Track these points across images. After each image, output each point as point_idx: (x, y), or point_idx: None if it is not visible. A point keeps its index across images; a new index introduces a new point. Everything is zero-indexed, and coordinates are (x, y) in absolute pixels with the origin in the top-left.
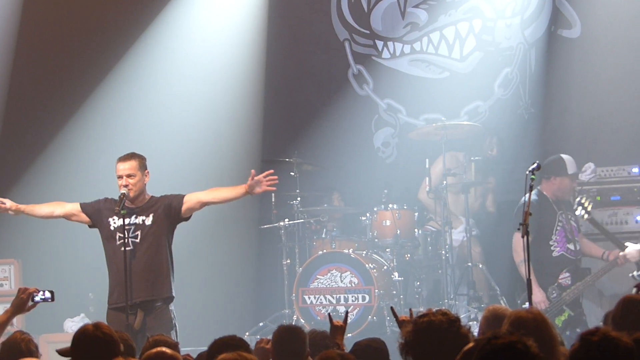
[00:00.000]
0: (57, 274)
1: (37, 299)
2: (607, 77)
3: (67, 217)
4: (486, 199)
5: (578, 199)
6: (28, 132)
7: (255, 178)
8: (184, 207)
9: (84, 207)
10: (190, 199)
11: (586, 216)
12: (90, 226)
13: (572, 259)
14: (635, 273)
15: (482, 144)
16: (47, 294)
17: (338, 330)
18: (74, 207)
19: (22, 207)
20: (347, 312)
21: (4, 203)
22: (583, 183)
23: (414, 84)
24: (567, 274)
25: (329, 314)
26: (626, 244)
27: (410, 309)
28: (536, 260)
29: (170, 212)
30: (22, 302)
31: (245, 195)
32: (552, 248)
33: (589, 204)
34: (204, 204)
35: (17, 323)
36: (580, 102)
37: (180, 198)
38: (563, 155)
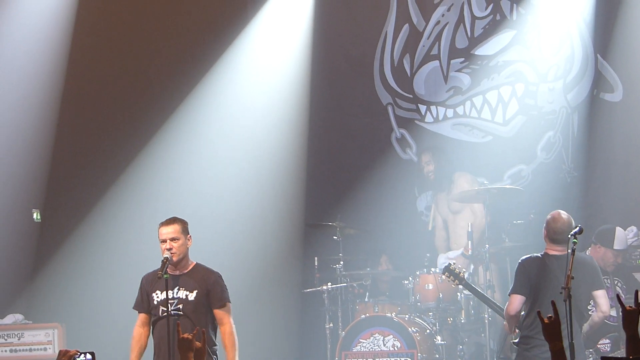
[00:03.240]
0: (99, 338)
1: None
2: None
3: (149, 325)
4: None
5: (446, 265)
6: (74, 192)
7: None
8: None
9: (140, 309)
10: (218, 314)
11: (456, 282)
12: None
13: (613, 325)
14: None
15: (420, 161)
16: (88, 356)
17: None
18: (142, 319)
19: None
20: None
21: None
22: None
23: (457, 148)
24: (607, 341)
25: None
26: None
27: None
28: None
29: (209, 298)
30: None
31: None
32: (591, 313)
33: (459, 271)
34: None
35: None
36: (622, 165)
37: (215, 303)
38: (618, 229)
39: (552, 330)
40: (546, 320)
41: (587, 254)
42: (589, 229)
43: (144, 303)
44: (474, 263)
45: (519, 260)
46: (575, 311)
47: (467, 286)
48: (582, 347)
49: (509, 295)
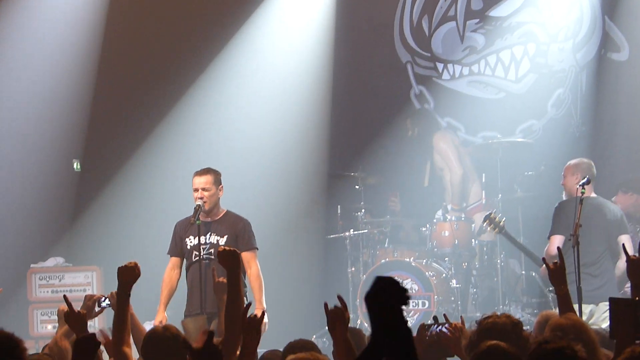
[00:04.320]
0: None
1: (103, 304)
2: None
3: (180, 269)
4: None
5: (487, 214)
6: (112, 143)
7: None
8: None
9: (173, 253)
10: (244, 258)
11: (497, 230)
12: None
13: None
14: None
15: (404, 125)
16: (107, 301)
17: None
18: (174, 262)
19: (163, 309)
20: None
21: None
22: None
23: (472, 104)
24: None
25: None
26: None
27: (461, 316)
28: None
29: (237, 241)
30: (89, 309)
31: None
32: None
33: (499, 220)
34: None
35: (99, 326)
36: (628, 121)
37: (243, 247)
38: None
39: (558, 275)
40: (552, 266)
41: (613, 201)
42: (595, 181)
43: (177, 248)
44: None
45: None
46: (611, 252)
47: (506, 235)
48: (615, 286)
49: (548, 238)
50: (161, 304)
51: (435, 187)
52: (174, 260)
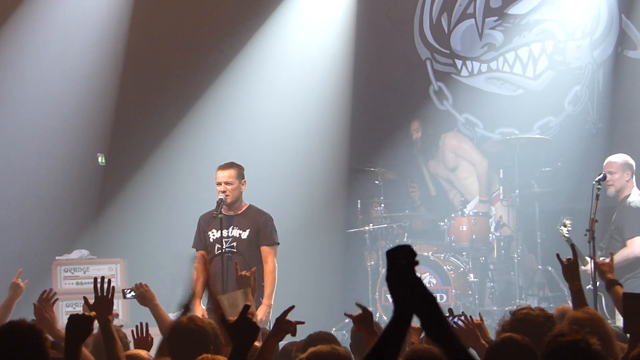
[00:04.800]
0: (156, 272)
1: (128, 296)
2: None
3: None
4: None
5: (562, 219)
6: (136, 137)
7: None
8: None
9: (198, 247)
10: (262, 252)
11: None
12: None
13: None
14: None
15: (409, 128)
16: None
17: (413, 329)
18: (201, 255)
19: (198, 290)
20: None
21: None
22: None
23: (490, 100)
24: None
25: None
26: None
27: (480, 312)
28: None
29: (258, 236)
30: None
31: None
32: None
33: (570, 225)
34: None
35: (123, 317)
36: None
37: (263, 241)
38: None
39: (571, 271)
40: (565, 262)
41: None
42: None
43: (201, 241)
44: (506, 207)
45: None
46: None
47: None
48: None
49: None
50: (196, 297)
51: (440, 193)
52: (200, 253)
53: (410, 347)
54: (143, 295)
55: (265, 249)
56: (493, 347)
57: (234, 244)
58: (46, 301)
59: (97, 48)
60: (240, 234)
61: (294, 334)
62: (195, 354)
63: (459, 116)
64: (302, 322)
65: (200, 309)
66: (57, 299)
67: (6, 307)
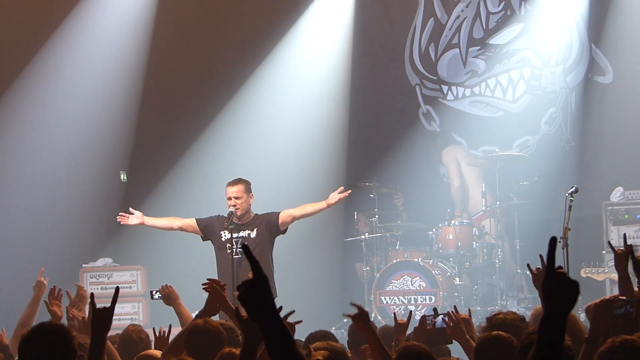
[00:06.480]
0: (174, 279)
1: (155, 297)
2: (635, 115)
3: (184, 229)
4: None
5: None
6: (154, 156)
7: (331, 195)
8: (280, 222)
9: (199, 221)
10: (284, 215)
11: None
12: (203, 239)
13: None
14: None
15: (392, 197)
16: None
17: (400, 327)
18: (190, 221)
19: (145, 219)
20: (410, 312)
21: (132, 213)
22: (613, 203)
23: (473, 121)
24: None
25: (394, 313)
26: None
27: (469, 309)
28: None
29: (270, 227)
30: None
31: (325, 208)
32: None
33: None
34: (295, 218)
35: (144, 318)
36: (612, 136)
37: (276, 215)
38: None
39: (620, 261)
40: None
41: None
42: (583, 190)
43: (204, 224)
44: (488, 218)
45: None
46: None
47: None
48: None
49: None
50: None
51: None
52: (190, 220)
53: (400, 344)
54: (168, 296)
55: (283, 211)
56: (484, 341)
57: (245, 242)
58: (53, 297)
59: (118, 72)
60: (249, 234)
61: (293, 334)
62: (212, 352)
63: (457, 137)
64: (300, 321)
65: (138, 217)
66: (84, 299)
67: (34, 304)
